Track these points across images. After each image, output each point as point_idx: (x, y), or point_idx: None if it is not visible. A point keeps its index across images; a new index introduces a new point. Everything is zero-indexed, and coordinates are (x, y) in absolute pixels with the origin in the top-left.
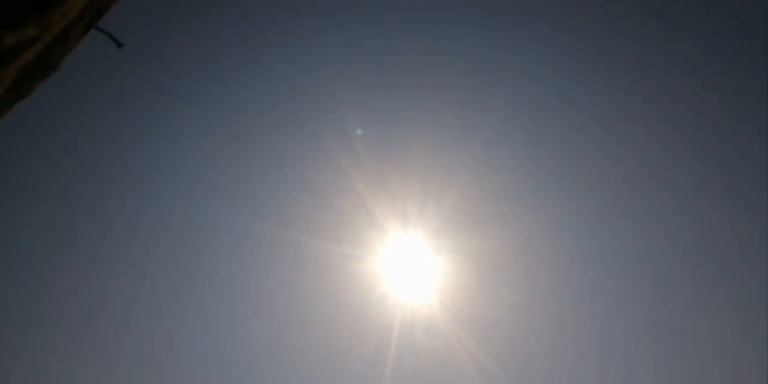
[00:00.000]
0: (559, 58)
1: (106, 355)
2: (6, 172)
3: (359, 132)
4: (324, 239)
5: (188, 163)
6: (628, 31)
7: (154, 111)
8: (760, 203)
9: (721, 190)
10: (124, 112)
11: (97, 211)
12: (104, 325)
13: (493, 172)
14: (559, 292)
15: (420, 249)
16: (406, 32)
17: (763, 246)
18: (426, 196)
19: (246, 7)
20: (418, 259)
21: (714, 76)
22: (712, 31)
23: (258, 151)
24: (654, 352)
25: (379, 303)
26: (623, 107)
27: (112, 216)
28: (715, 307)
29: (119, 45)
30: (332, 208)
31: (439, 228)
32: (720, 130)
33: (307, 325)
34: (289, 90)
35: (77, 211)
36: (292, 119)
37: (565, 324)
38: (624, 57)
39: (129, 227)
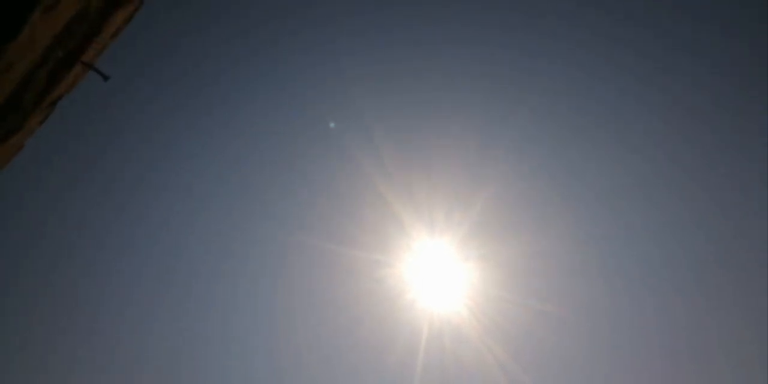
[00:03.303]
0: (594, 68)
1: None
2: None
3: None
4: (353, 246)
5: (220, 174)
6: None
7: (180, 124)
8: None
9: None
10: (151, 120)
11: (125, 218)
12: (133, 332)
13: (522, 180)
14: (587, 301)
15: (448, 256)
16: (433, 41)
17: None
18: (453, 203)
19: (253, 10)
20: (446, 266)
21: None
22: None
23: (286, 161)
24: (687, 361)
25: (407, 309)
26: (655, 119)
27: (142, 221)
28: (747, 314)
29: (105, 78)
30: (361, 216)
31: (467, 235)
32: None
33: (336, 330)
34: (316, 100)
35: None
36: (319, 130)
37: (593, 333)
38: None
39: (163, 236)
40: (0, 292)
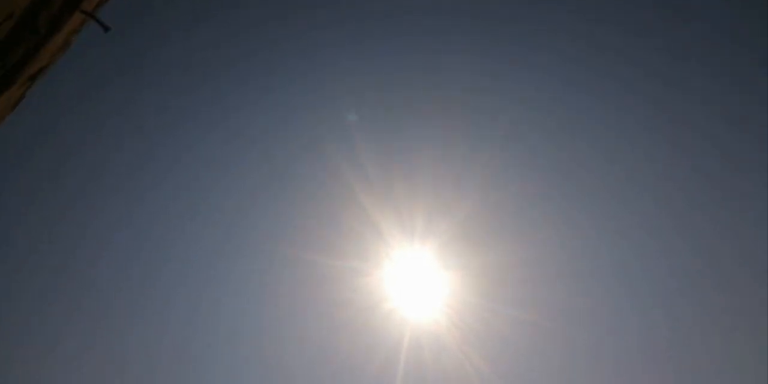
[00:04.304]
0: (576, 73)
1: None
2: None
3: (353, 117)
4: (330, 254)
5: (192, 180)
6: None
7: (156, 122)
8: None
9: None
10: (125, 117)
11: (99, 226)
12: (112, 344)
13: (501, 187)
14: (567, 309)
15: (427, 264)
16: (416, 47)
17: None
18: (433, 210)
19: (250, 11)
20: (425, 275)
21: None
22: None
23: (263, 166)
24: (667, 369)
25: (386, 318)
26: (638, 123)
27: (116, 229)
28: (726, 317)
29: (106, 29)
30: (339, 222)
31: (447, 243)
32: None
33: (313, 340)
34: (295, 103)
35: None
36: (298, 134)
37: (573, 341)
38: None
39: (136, 241)
40: None
